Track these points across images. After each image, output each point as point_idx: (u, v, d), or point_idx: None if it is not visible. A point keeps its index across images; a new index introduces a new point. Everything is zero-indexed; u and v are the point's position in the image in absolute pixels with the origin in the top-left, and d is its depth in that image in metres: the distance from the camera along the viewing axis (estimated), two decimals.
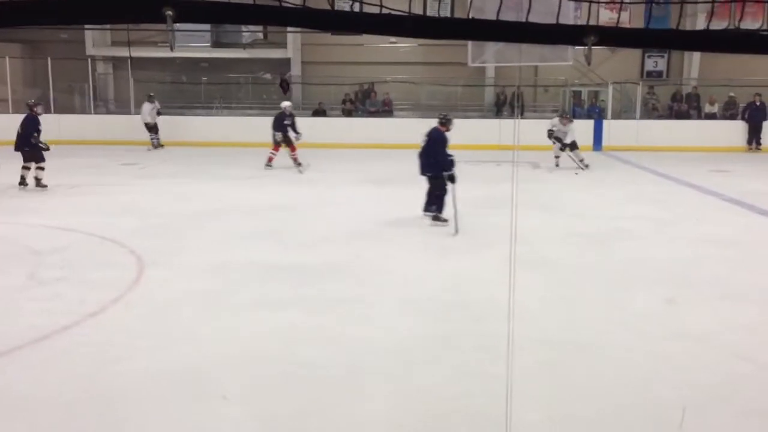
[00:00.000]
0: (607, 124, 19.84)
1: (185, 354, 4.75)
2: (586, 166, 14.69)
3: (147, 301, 5.94)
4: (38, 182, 11.70)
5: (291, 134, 14.81)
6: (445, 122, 8.96)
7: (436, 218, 8.83)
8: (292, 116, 15.08)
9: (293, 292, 6.17)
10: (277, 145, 14.87)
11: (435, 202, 8.89)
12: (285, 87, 19.16)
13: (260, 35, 23.74)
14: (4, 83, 20.78)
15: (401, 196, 11.53)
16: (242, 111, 22.33)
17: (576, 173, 14.30)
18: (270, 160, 14.94)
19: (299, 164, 14.69)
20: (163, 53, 22.83)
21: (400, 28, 2.17)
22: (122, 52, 22.83)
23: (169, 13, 1.79)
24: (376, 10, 2.15)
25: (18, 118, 12.27)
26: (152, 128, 18.76)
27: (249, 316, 5.56)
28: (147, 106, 18.71)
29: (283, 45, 23.52)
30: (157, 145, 18.80)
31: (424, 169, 8.88)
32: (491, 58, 17.94)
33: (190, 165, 15.87)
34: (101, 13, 1.98)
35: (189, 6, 1.90)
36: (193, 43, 23.01)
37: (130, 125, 20.02)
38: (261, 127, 20.18)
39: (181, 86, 23.53)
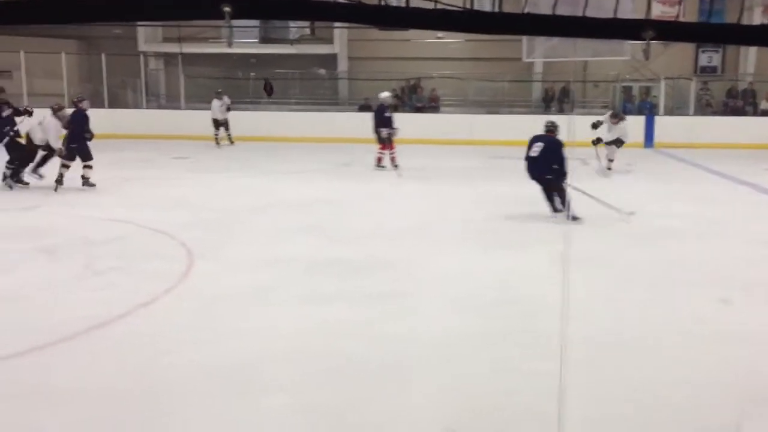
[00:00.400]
0: (659, 121, 19.47)
1: (232, 348, 4.81)
2: (609, 169, 13.77)
3: (196, 294, 6.04)
4: (86, 181, 11.29)
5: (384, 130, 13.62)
6: (554, 128, 9.15)
7: (574, 218, 8.75)
8: (390, 108, 13.81)
9: (339, 287, 6.22)
10: (383, 143, 13.72)
11: (561, 200, 8.96)
12: (268, 90, 19.08)
13: (307, 31, 23.93)
14: (60, 78, 21.34)
15: (447, 192, 11.52)
16: (289, 106, 22.54)
17: (609, 168, 13.74)
18: (379, 160, 13.82)
19: (396, 165, 13.60)
20: (212, 49, 23.19)
21: (454, 24, 2.17)
22: (173, 48, 23.29)
23: (227, 9, 1.82)
24: (429, 5, 2.15)
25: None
26: (222, 124, 18.59)
27: (295, 311, 5.62)
28: (216, 103, 18.52)
29: (330, 41, 23.66)
30: (228, 140, 18.62)
31: (542, 172, 8.93)
32: (544, 53, 17.77)
33: (239, 159, 16.09)
34: (161, 10, 2.02)
35: (246, 2, 1.93)
36: (242, 39, 23.31)
37: (180, 120, 20.40)
38: (308, 122, 20.44)
39: (229, 82, 23.85)
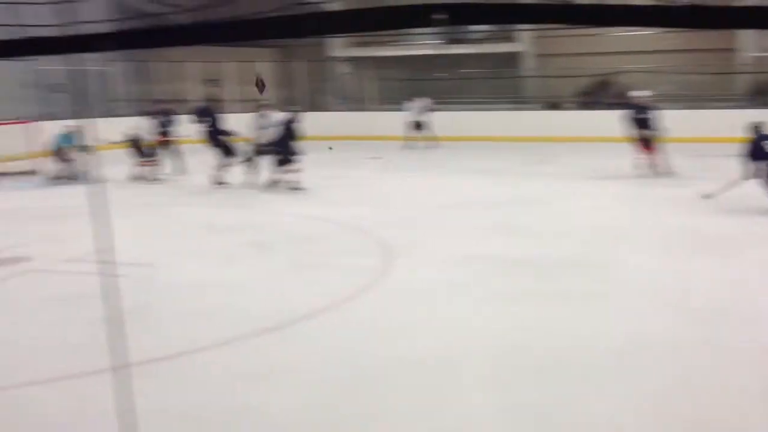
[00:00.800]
0: None
1: (434, 342, 4.96)
2: None
3: (396, 289, 6.28)
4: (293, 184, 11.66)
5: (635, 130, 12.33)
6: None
7: None
8: (648, 109, 12.43)
9: (534, 286, 6.20)
10: (645, 145, 12.31)
11: None
12: (261, 87, 18.52)
13: (493, 30, 23.81)
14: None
15: (641, 192, 11.04)
16: (475, 106, 22.60)
17: None
18: (645, 163, 12.32)
19: (659, 170, 12.20)
20: (398, 51, 23.78)
21: (665, 19, 2.08)
22: (361, 52, 24.16)
23: (441, 17, 1.88)
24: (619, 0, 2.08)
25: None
26: (419, 126, 18.42)
27: (495, 308, 5.67)
28: (415, 104, 18.58)
29: (515, 39, 23.43)
30: (427, 142, 18.26)
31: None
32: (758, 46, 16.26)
33: (429, 159, 16.39)
34: (374, 23, 2.10)
35: (459, 9, 1.96)
36: (428, 40, 23.69)
37: (369, 121, 21.13)
38: (495, 121, 20.34)
39: (415, 83, 24.33)
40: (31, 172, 13.52)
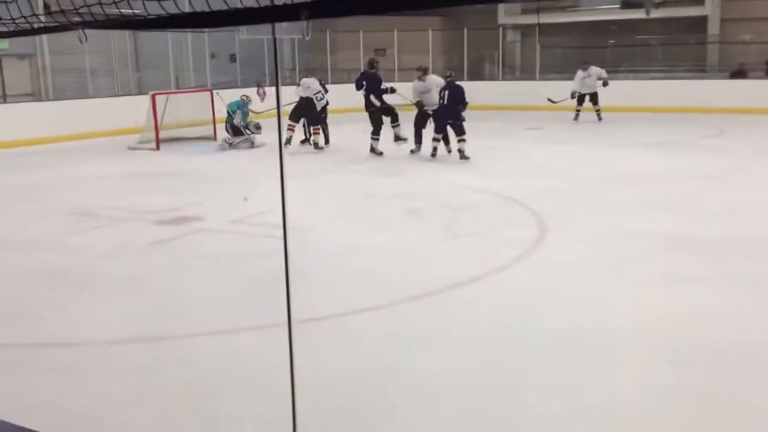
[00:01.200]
0: None
1: (586, 318, 4.84)
2: None
3: (548, 262, 6.16)
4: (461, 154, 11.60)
5: None
6: None
7: None
8: None
9: (701, 268, 5.85)
10: None
11: None
12: (262, 94, 17.53)
13: None
14: (427, 53, 22.99)
15: None
16: (650, 74, 21.41)
17: None
18: None
19: None
20: (570, 18, 22.94)
21: None
22: (531, 19, 23.54)
23: None
24: None
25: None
26: (591, 98, 17.25)
27: (657, 289, 5.42)
28: (580, 74, 17.35)
29: (699, 2, 21.84)
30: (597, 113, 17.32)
31: None
32: None
33: (593, 131, 15.81)
34: None
35: None
36: (601, 5, 22.66)
37: (534, 91, 20.62)
38: (671, 91, 19.18)
39: (585, 51, 23.39)
40: (210, 138, 14.48)
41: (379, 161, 11.99)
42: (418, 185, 9.79)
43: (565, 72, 19.59)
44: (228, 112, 13.82)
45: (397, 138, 12.55)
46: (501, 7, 24.67)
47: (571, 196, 8.77)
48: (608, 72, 17.89)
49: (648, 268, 5.89)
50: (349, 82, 17.66)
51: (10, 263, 6.36)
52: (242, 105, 13.91)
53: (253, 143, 13.64)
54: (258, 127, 13.68)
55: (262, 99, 15.57)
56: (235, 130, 13.72)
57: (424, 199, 8.81)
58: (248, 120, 13.84)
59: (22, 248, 6.78)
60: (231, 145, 13.62)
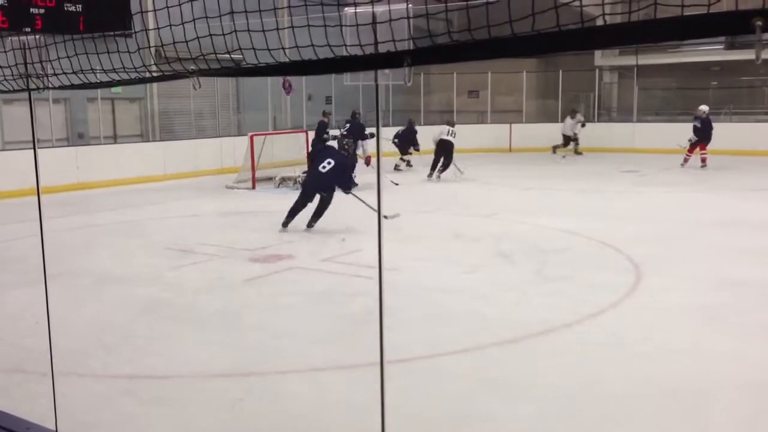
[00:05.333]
0: None
1: (684, 368, 4.63)
2: None
3: (645, 308, 5.94)
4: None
5: None
6: None
7: None
8: None
9: None
10: None
11: None
12: (287, 88, 17.02)
13: None
14: (520, 94, 22.93)
15: None
16: (756, 117, 20.56)
17: None
18: None
19: None
20: (669, 59, 22.39)
21: None
22: (629, 60, 23.12)
23: (759, 23, 1.72)
24: None
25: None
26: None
27: (751, 340, 5.13)
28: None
29: None
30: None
31: None
32: None
33: (694, 174, 15.28)
34: (677, 32, 1.97)
35: None
36: (703, 46, 22.01)
37: (630, 133, 20.19)
38: None
39: (686, 92, 22.73)
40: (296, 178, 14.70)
41: (467, 202, 11.93)
42: (508, 227, 9.67)
43: (663, 114, 19.09)
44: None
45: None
46: (598, 50, 24.38)
47: (669, 241, 8.46)
48: (711, 114, 17.34)
49: (752, 319, 5.59)
50: (440, 123, 17.80)
51: (110, 296, 6.65)
52: None
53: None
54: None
55: (288, 93, 16.36)
56: None
57: (515, 240, 8.69)
58: None
59: (122, 282, 7.09)
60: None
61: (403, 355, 4.84)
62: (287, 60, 2.77)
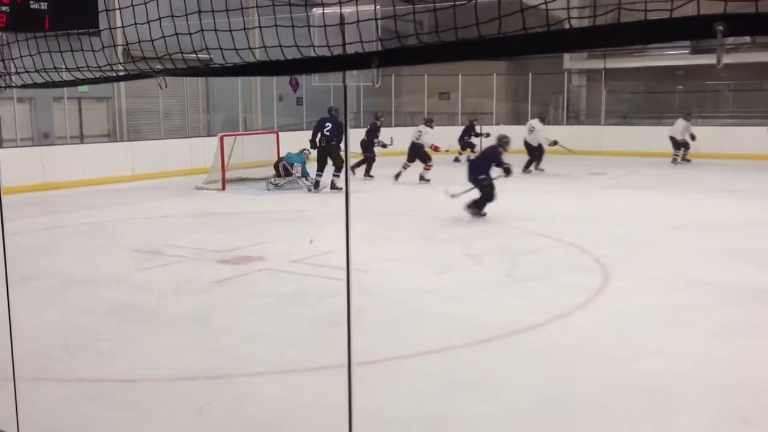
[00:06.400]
0: None
1: (648, 369, 4.68)
2: None
3: (612, 310, 6.01)
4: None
5: None
6: None
7: None
8: None
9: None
10: None
11: None
12: (294, 85, 17.51)
13: (746, 38, 21.85)
14: (490, 98, 23.07)
15: None
16: (720, 120, 20.91)
17: None
18: None
19: None
20: (636, 63, 22.68)
21: None
22: (596, 64, 23.39)
23: (721, 28, 1.74)
24: None
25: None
26: (682, 144, 17.93)
27: (723, 341, 5.22)
28: (681, 123, 17.94)
29: None
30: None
31: None
32: None
33: (660, 177, 15.49)
34: (642, 37, 1.99)
35: (740, 19, 1.80)
36: (669, 51, 22.34)
37: (598, 136, 20.40)
38: (744, 137, 18.66)
39: (653, 96, 23.06)
40: (267, 179, 14.63)
41: (438, 205, 11.96)
42: (479, 229, 9.71)
43: (631, 117, 19.33)
44: (285, 160, 14.09)
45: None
46: (567, 53, 24.61)
47: (637, 242, 8.57)
48: (676, 118, 17.70)
49: (718, 319, 5.68)
50: (412, 124, 17.87)
51: (76, 298, 6.55)
52: (302, 160, 14.13)
53: (310, 188, 13.71)
54: (316, 185, 13.81)
55: (295, 90, 16.44)
56: (286, 172, 13.91)
57: (485, 242, 8.73)
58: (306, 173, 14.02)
59: (88, 284, 6.99)
60: (276, 186, 13.78)
61: (374, 356, 4.83)
62: (255, 60, 2.75)
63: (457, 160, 18.82)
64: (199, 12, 2.91)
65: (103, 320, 5.88)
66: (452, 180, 11.70)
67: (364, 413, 3.76)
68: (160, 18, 2.85)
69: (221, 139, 14.34)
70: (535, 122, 16.65)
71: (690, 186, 13.74)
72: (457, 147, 19.01)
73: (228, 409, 4.20)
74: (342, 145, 13.09)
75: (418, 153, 14.73)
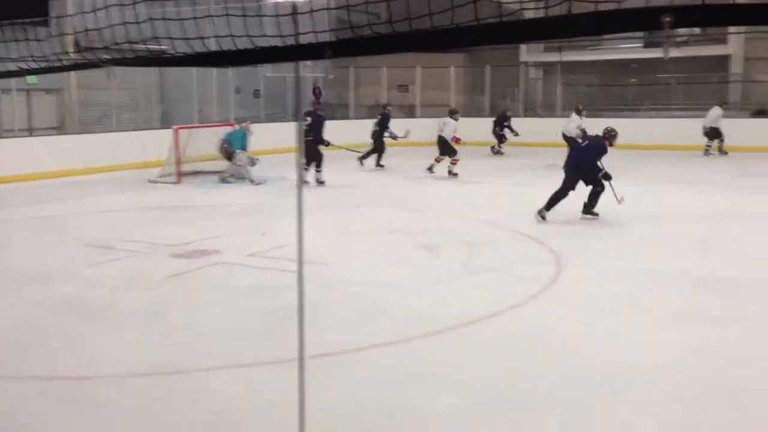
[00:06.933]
0: None
1: (600, 357, 4.76)
2: None
3: (565, 300, 6.09)
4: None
5: None
6: None
7: None
8: None
9: (727, 310, 5.75)
10: None
11: None
12: (317, 94, 17.88)
13: (697, 31, 22.31)
14: (448, 89, 23.17)
15: None
16: (670, 113, 21.33)
17: None
18: None
19: None
20: (591, 56, 22.99)
21: None
22: (553, 57, 23.66)
23: (668, 20, 1.77)
24: None
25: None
26: (712, 134, 17.70)
27: (674, 328, 5.33)
28: (717, 110, 17.74)
29: (723, 41, 21.82)
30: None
31: None
32: None
33: (616, 168, 15.64)
34: (592, 28, 2.01)
35: (687, 11, 1.83)
36: (623, 44, 22.69)
37: (556, 127, 20.61)
38: (692, 129, 19.04)
39: (607, 89, 23.40)
40: (221, 172, 14.35)
41: (400, 197, 11.99)
42: (438, 221, 9.75)
43: (587, 109, 19.52)
44: (225, 144, 13.62)
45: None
46: (524, 45, 24.81)
47: (590, 234, 8.70)
48: (630, 110, 17.94)
49: (670, 308, 5.80)
50: (370, 117, 17.82)
51: (25, 294, 6.40)
52: (241, 138, 13.56)
53: (252, 181, 13.39)
54: (253, 162, 13.46)
55: (318, 99, 16.34)
56: (228, 155, 13.56)
57: (442, 234, 8.76)
58: (247, 153, 13.52)
59: (38, 279, 6.82)
60: (226, 181, 13.56)
61: (331, 348, 4.82)
62: (205, 51, 2.71)
63: (498, 152, 18.74)
64: (150, 1, 2.85)
65: (55, 316, 5.76)
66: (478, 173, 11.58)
67: (320, 406, 3.75)
68: (107, 6, 2.78)
69: (176, 131, 14.11)
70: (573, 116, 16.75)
71: (645, 178, 13.97)
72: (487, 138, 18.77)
73: (182, 404, 4.15)
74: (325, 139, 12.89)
75: (443, 146, 14.15)
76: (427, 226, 9.28)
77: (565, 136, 16.15)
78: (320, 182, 13.03)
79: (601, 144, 9.53)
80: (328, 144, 13.11)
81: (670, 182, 13.27)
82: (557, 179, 13.42)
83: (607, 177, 9.33)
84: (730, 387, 4.29)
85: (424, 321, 5.52)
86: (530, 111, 24.52)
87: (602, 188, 9.35)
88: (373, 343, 5.08)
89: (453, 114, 14.55)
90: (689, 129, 18.90)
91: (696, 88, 22.03)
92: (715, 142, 17.69)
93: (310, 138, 12.62)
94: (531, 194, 12.09)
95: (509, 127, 18.88)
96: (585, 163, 9.44)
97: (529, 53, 24.88)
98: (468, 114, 22.91)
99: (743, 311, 5.71)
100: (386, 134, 15.42)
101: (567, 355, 4.83)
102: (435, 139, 14.34)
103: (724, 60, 21.94)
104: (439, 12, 2.21)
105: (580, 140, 12.00)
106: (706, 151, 17.66)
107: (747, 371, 4.50)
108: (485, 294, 6.23)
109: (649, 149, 18.21)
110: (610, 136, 9.60)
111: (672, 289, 6.34)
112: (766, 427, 3.81)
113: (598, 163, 9.35)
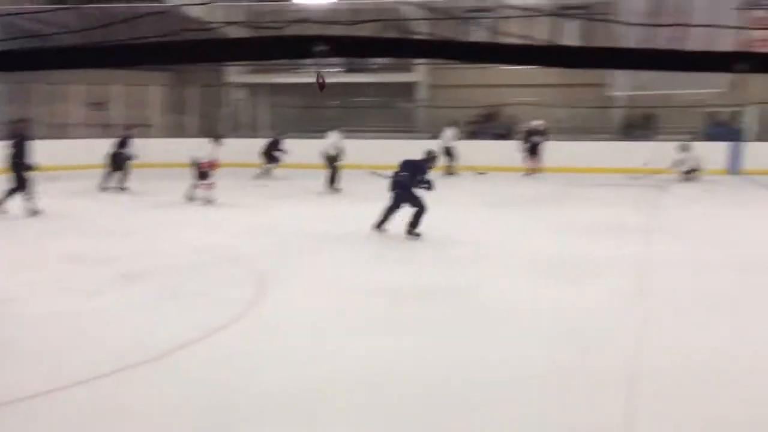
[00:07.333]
0: (749, 147, 18.88)
1: (304, 374, 4.89)
2: None
3: (267, 320, 6.17)
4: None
5: None
6: None
7: None
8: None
9: (408, 314, 6.25)
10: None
11: None
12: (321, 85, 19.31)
13: (390, 60, 24.16)
14: (152, 109, 22.36)
15: (513, 219, 11.42)
16: (366, 134, 22.69)
17: None
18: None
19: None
20: (297, 79, 23.70)
21: (541, 59, 2.17)
22: (259, 78, 23.97)
23: (321, 48, 1.85)
24: (513, 39, 2.18)
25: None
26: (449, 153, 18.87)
27: (366, 339, 5.64)
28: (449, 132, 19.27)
29: (411, 69, 23.87)
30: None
31: None
32: (631, 84, 18.47)
33: (311, 186, 16.18)
34: (255, 52, 2.06)
35: (339, 42, 1.94)
36: (326, 69, 23.73)
37: (260, 148, 20.87)
38: (384, 149, 20.38)
39: (312, 110, 24.28)
40: None
41: (99, 222, 11.23)
42: (143, 246, 9.29)
43: (296, 130, 19.99)
44: None
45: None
46: (229, 66, 24.79)
47: (293, 252, 8.85)
48: (328, 130, 18.76)
49: (362, 320, 6.13)
50: (66, 137, 16.47)
51: None
52: None
53: None
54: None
55: (322, 89, 14.69)
56: None
57: (139, 260, 8.29)
58: None
59: None
60: None
61: (20, 392, 4.42)
62: None
63: (265, 173, 18.15)
64: None
65: None
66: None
67: None
68: None
69: None
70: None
71: (344, 193, 14.66)
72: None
73: None
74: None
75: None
76: (127, 253, 8.72)
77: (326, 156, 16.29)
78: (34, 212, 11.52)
79: (419, 165, 9.93)
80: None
81: (366, 200, 13.97)
82: (264, 198, 13.43)
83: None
84: (420, 386, 4.63)
85: (125, 352, 5.21)
86: (237, 131, 24.55)
87: (423, 209, 9.62)
88: (61, 384, 4.65)
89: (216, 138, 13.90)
90: (381, 149, 20.17)
91: (388, 112, 23.83)
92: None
93: (17, 161, 11.34)
94: (238, 214, 12.11)
95: (280, 150, 18.63)
96: (403, 183, 9.74)
97: (236, 74, 24.92)
98: (173, 135, 22.30)
99: (424, 313, 6.24)
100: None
101: (272, 372, 4.89)
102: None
103: (411, 86, 23.99)
104: (98, 27, 2.12)
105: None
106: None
107: (427, 370, 4.91)
108: (186, 321, 6.06)
109: (353, 168, 19.12)
110: (430, 158, 10.19)
111: (373, 300, 6.65)
112: None
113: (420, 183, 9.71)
